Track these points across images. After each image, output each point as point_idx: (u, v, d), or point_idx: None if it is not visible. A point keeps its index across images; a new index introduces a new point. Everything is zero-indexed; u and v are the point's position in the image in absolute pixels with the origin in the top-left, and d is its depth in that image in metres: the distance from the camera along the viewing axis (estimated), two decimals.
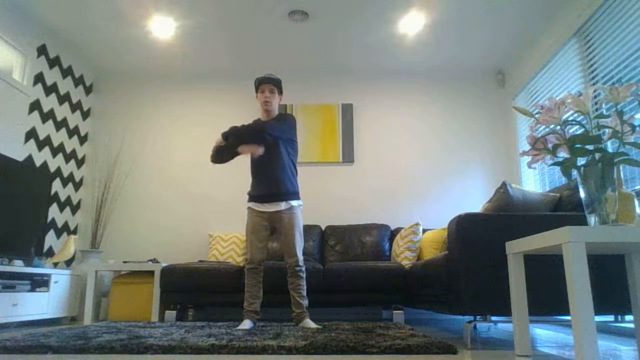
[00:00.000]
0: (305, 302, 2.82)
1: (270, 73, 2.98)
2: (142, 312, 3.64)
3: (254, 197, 2.91)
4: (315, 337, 2.13)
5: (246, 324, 2.72)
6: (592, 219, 1.51)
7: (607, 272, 2.09)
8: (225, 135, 2.80)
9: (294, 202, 2.88)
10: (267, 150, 2.82)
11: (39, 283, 3.33)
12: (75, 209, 4.55)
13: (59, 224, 4.30)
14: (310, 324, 2.75)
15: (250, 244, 2.84)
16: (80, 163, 4.67)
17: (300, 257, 2.83)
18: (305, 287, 2.84)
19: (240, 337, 2.16)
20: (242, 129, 2.79)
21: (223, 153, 2.84)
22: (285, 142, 2.89)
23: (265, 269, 3.31)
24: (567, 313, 2.02)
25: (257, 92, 2.98)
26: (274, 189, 2.84)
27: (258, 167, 2.90)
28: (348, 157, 4.65)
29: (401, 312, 3.42)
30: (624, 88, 1.55)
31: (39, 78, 4.04)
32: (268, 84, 2.92)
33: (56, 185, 4.27)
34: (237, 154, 2.83)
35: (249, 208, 2.91)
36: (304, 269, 2.84)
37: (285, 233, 2.83)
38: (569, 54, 3.55)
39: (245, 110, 4.81)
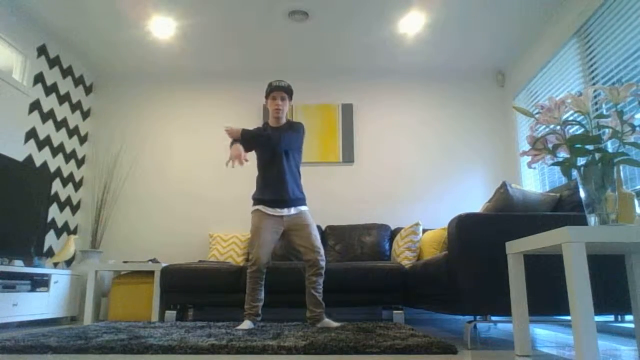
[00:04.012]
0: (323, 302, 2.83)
1: (281, 80, 2.99)
2: (142, 312, 3.64)
3: (263, 200, 2.87)
4: (315, 337, 2.13)
5: (246, 324, 2.72)
6: (592, 219, 1.51)
7: (607, 272, 2.09)
8: (244, 137, 2.83)
9: (303, 208, 2.91)
10: (278, 157, 2.88)
11: (39, 283, 3.33)
12: (75, 209, 4.55)
13: (59, 224, 4.30)
14: (331, 323, 2.74)
15: (257, 246, 2.78)
16: (80, 163, 4.66)
17: (322, 250, 2.81)
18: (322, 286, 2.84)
19: (240, 337, 2.16)
20: (262, 138, 2.82)
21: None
22: (294, 151, 2.94)
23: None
24: (567, 313, 2.02)
25: (267, 98, 2.97)
26: (284, 195, 2.85)
27: (268, 173, 2.89)
28: (348, 157, 4.65)
29: (401, 312, 3.42)
30: (624, 88, 1.55)
31: (39, 78, 4.04)
32: (280, 91, 2.92)
33: (56, 185, 4.27)
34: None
35: (257, 210, 2.87)
36: (324, 265, 2.81)
37: (301, 232, 2.82)
38: (569, 54, 3.55)
39: (245, 110, 4.81)
